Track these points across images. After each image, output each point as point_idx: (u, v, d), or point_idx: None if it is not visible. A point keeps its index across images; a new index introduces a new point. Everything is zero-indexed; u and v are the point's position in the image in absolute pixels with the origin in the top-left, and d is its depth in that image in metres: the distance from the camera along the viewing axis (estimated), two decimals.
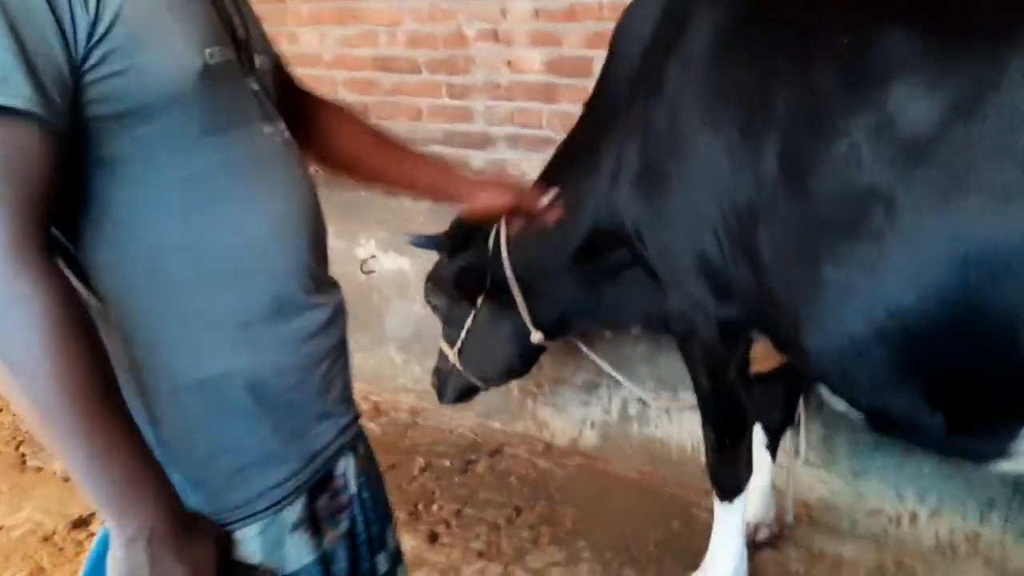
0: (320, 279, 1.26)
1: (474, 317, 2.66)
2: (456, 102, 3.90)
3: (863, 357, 1.64)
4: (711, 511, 2.97)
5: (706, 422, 2.31)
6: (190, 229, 1.09)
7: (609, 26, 3.57)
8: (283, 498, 1.20)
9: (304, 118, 1.42)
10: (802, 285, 1.71)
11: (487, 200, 1.59)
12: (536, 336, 2.63)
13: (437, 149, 3.95)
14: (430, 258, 2.86)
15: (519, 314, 2.59)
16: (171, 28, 1.05)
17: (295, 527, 1.22)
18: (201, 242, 1.10)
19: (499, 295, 2.58)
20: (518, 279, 2.53)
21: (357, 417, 1.36)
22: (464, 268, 2.59)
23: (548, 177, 2.53)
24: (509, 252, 2.53)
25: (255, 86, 1.19)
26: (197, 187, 1.09)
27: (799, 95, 1.67)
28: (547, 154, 3.95)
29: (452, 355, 2.79)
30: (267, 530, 1.19)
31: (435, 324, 2.94)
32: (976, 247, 1.40)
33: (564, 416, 3.46)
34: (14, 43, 0.93)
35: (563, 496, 3.19)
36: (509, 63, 4.10)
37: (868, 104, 1.54)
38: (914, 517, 2.73)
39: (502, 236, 2.56)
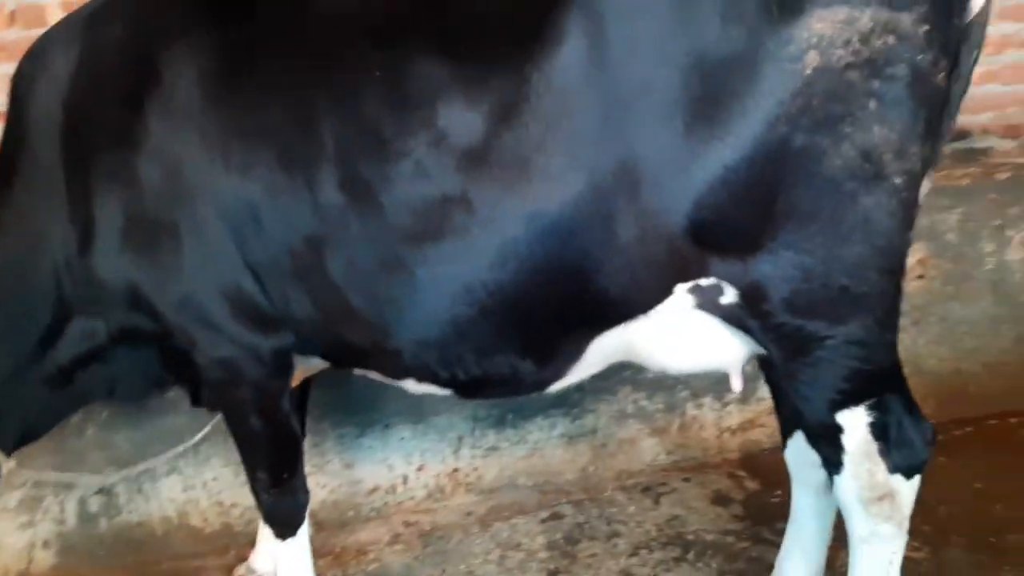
0: None
1: None
2: None
3: (467, 336, 1.87)
4: (223, 566, 2.87)
5: (257, 467, 2.23)
6: None
7: None
8: None
9: None
10: (391, 293, 1.84)
11: None
12: (8, 465, 2.16)
13: None
14: None
15: None
16: None
17: None
18: None
19: None
20: None
21: None
22: None
23: None
24: None
25: None
26: None
27: (348, 127, 1.77)
28: None
29: None
30: None
31: None
32: (545, 220, 1.73)
33: (3, 551, 2.84)
34: None
35: None
36: None
37: (420, 124, 1.73)
38: (404, 479, 3.07)
39: None
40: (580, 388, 3.11)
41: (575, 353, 1.96)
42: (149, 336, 2.07)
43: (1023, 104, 3.90)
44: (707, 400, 3.23)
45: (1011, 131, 3.92)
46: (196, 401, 2.35)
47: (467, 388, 2.05)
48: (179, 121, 1.87)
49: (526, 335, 1.91)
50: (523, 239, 1.75)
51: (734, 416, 3.26)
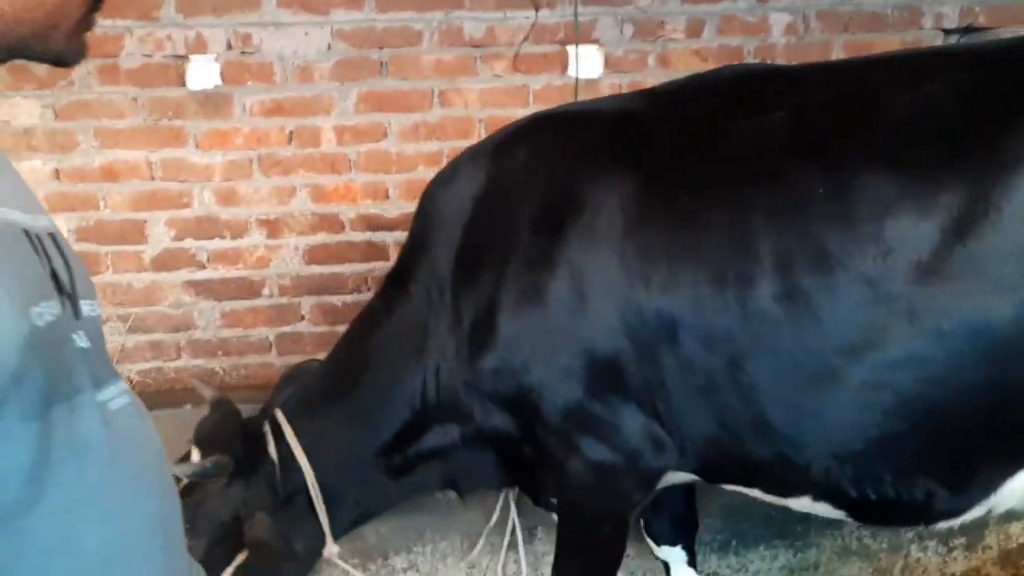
0: None
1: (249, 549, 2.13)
2: None
3: (892, 454, 1.85)
4: None
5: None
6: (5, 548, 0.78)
7: (161, 185, 3.27)
8: None
9: None
10: (816, 406, 1.86)
11: None
12: (333, 549, 2.27)
13: None
14: None
15: (310, 529, 2.23)
16: None
17: None
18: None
19: (282, 512, 2.17)
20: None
21: None
22: (250, 491, 2.09)
23: (347, 365, 2.31)
24: (309, 456, 2.19)
25: (83, 342, 0.90)
26: (12, 491, 0.78)
27: (788, 242, 1.84)
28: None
29: None
30: None
31: None
32: (995, 335, 1.71)
33: None
34: None
35: None
36: None
37: (867, 239, 1.77)
38: None
39: (291, 439, 2.15)
40: (805, 520, 3.09)
41: (990, 487, 1.89)
42: (509, 439, 2.19)
43: None
44: (932, 544, 3.16)
45: None
46: (536, 501, 2.45)
47: (869, 511, 2.00)
48: (598, 245, 2.01)
49: (952, 459, 1.87)
50: (969, 354, 1.74)
51: (959, 563, 3.17)
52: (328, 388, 2.34)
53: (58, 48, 0.85)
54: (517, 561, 2.89)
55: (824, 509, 2.06)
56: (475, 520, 2.96)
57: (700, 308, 1.92)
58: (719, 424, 1.99)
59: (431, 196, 2.34)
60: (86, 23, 0.86)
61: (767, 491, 2.12)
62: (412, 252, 2.34)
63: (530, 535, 2.93)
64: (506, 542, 2.82)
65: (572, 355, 2.03)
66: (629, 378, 2.01)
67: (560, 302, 2.04)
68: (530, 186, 2.16)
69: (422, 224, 2.33)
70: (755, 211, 1.89)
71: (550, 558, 2.97)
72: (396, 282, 2.36)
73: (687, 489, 2.54)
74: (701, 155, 2.02)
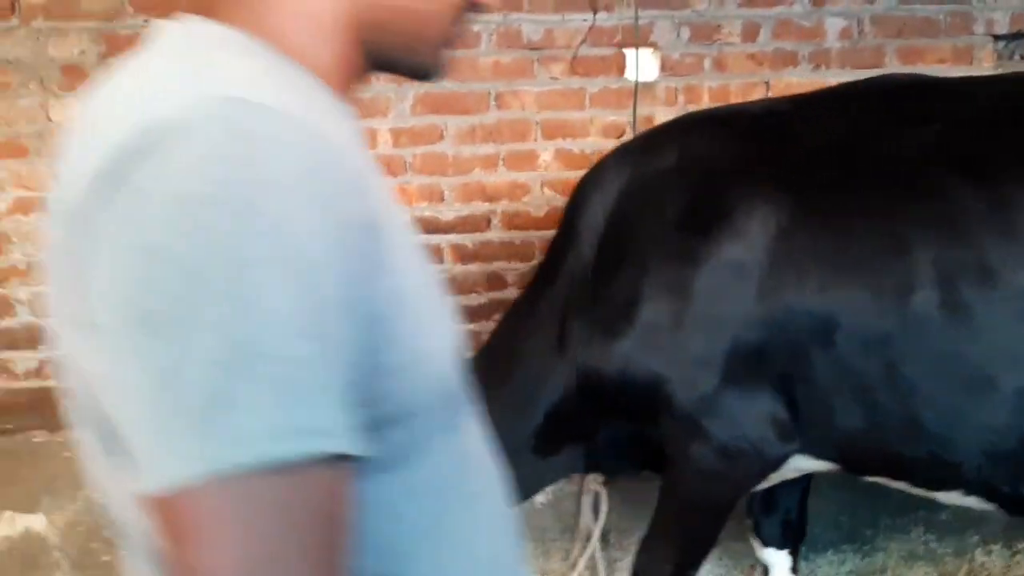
0: None
1: None
2: None
3: None
4: None
5: (666, 559, 2.26)
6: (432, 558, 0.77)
7: None
8: None
9: None
10: (974, 409, 1.89)
11: None
12: None
13: None
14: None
15: None
16: (434, 291, 0.80)
17: None
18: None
19: None
20: None
21: None
22: None
23: (499, 354, 2.35)
24: None
25: None
26: (439, 503, 0.77)
27: (947, 254, 1.87)
28: None
29: None
30: None
31: None
32: None
33: None
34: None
35: None
36: None
37: None
38: None
39: None
40: (874, 525, 3.10)
41: None
42: (636, 422, 2.23)
43: None
44: (996, 548, 3.17)
45: None
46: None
47: (1023, 506, 2.04)
48: (748, 245, 2.03)
49: None
50: None
51: (1022, 566, 3.18)
52: (482, 377, 2.32)
53: (422, 61, 0.84)
54: (591, 567, 2.86)
55: (974, 503, 2.09)
56: (548, 527, 2.94)
57: (855, 312, 1.95)
58: (867, 421, 2.01)
59: (579, 189, 2.38)
60: (450, 38, 0.84)
61: (914, 485, 2.14)
62: (558, 242, 2.40)
63: (604, 540, 2.90)
64: (588, 550, 2.79)
65: (711, 347, 2.06)
66: (767, 371, 2.03)
67: (704, 296, 2.06)
68: (679, 184, 2.18)
69: (569, 217, 2.37)
70: (911, 220, 1.93)
71: (623, 563, 2.97)
72: (542, 272, 2.42)
73: (801, 494, 2.54)
74: (854, 162, 2.05)
